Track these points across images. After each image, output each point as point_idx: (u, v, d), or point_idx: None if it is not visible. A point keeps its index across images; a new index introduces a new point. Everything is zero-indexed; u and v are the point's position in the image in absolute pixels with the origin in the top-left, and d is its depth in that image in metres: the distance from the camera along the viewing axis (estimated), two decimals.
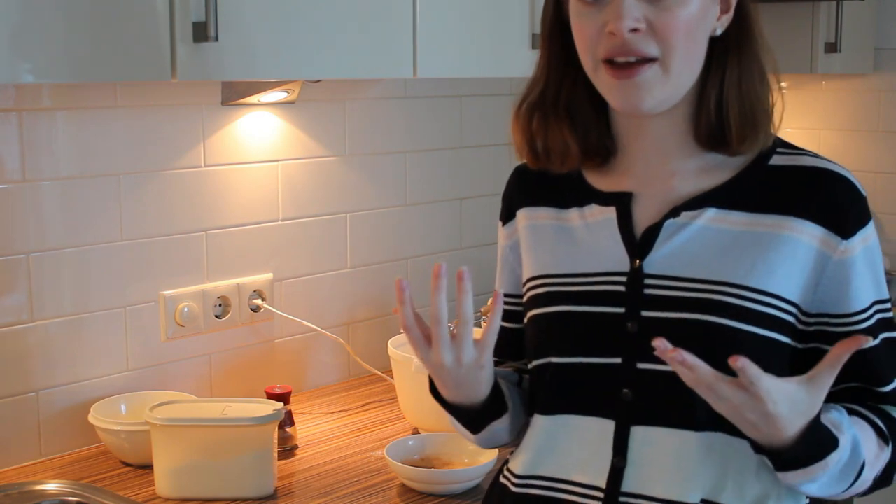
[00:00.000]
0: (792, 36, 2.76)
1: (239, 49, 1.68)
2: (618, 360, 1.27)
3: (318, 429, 2.13)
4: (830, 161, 1.30)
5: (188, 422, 1.76)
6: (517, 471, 1.35)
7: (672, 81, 1.24)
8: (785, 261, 1.25)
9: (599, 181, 1.36)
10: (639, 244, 1.30)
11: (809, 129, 3.10)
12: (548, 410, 1.34)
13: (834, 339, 1.24)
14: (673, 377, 1.21)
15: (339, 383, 2.42)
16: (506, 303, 1.42)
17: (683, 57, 1.24)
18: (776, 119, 1.30)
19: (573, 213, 1.36)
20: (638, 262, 1.29)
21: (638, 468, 1.26)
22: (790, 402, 1.13)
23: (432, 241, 2.59)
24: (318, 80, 2.19)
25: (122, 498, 1.77)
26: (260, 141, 2.23)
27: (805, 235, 1.25)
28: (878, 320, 1.29)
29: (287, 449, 2.00)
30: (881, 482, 1.28)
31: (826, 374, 1.14)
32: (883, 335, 1.29)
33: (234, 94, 2.13)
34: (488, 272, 2.70)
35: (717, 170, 1.30)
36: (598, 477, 1.28)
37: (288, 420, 2.00)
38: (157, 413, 1.77)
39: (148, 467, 1.83)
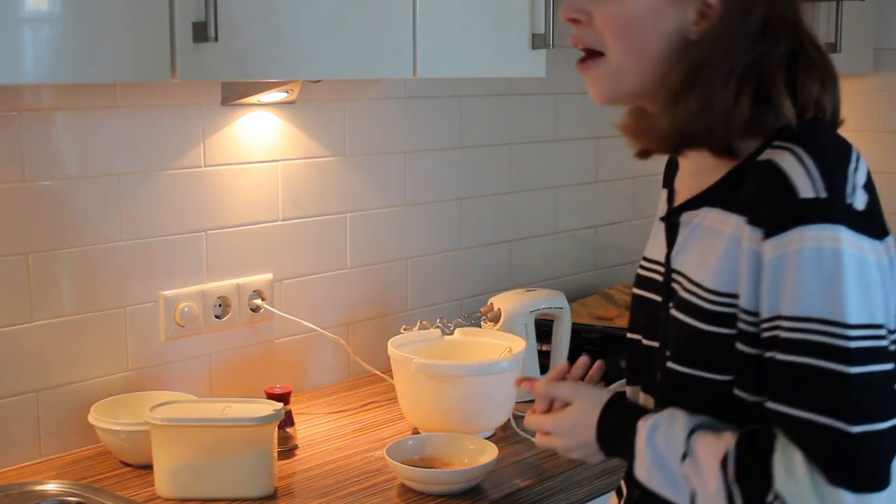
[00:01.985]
0: None
1: (239, 49, 1.68)
2: (656, 344, 1.36)
3: (318, 429, 2.13)
4: (796, 155, 1.18)
5: (188, 422, 1.76)
6: None
7: (618, 77, 1.26)
8: (722, 258, 1.23)
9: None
10: (667, 237, 1.37)
11: None
12: (628, 381, 1.46)
13: (765, 343, 1.20)
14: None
15: (339, 383, 2.42)
16: None
17: (624, 53, 1.25)
18: (737, 121, 1.23)
19: (664, 200, 1.44)
20: (667, 253, 1.36)
21: None
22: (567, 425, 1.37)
23: (432, 241, 2.59)
24: (318, 80, 2.19)
25: (122, 498, 1.77)
26: (260, 141, 2.23)
27: (739, 232, 1.21)
28: (787, 339, 1.16)
29: (287, 449, 2.00)
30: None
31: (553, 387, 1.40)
32: (800, 357, 1.15)
33: (234, 94, 2.13)
34: (488, 272, 2.72)
35: (715, 168, 1.30)
36: None
37: (288, 420, 2.00)
38: (157, 413, 1.77)
39: (148, 467, 1.83)
